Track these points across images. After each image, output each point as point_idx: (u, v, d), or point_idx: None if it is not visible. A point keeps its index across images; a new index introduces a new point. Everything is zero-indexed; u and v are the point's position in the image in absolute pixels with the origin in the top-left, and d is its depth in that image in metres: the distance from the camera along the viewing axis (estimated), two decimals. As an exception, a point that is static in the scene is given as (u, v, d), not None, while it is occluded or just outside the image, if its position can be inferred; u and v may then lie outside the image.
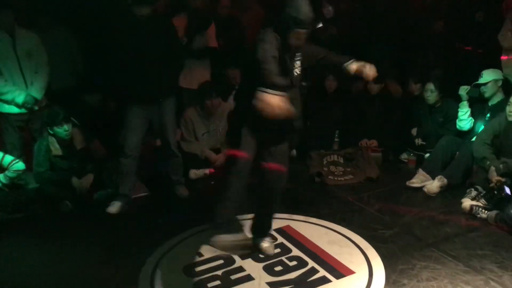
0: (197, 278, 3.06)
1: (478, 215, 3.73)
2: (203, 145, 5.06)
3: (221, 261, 3.25)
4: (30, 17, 4.79)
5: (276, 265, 3.18)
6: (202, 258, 3.31)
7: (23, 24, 4.41)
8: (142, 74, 3.78)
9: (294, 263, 3.20)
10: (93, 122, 4.66)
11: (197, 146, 5.02)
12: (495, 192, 3.76)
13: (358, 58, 3.06)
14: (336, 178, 4.76)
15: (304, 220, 3.84)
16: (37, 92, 4.34)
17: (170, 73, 3.99)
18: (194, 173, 4.87)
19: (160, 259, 3.31)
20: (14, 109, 4.31)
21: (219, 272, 3.12)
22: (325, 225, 3.75)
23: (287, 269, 3.13)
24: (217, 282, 3.01)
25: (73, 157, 4.27)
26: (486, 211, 3.70)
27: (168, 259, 3.32)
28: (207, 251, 3.38)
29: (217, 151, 5.12)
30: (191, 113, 5.03)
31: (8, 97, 4.23)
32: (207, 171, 4.94)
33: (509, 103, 3.99)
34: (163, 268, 3.21)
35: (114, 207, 4.02)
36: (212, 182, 4.83)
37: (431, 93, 4.89)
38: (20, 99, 4.24)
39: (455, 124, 4.73)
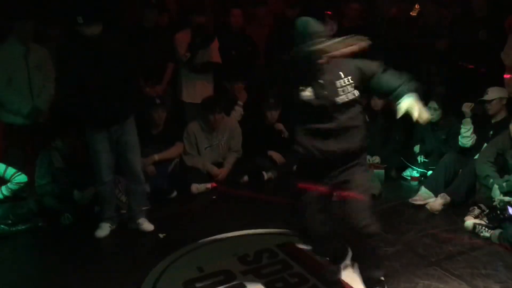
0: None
1: (481, 234, 3.69)
2: (205, 159, 5.06)
3: (221, 277, 3.22)
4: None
5: (278, 282, 3.15)
6: (202, 274, 3.28)
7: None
8: (97, 97, 3.56)
9: (295, 280, 3.17)
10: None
11: (199, 160, 5.02)
12: (498, 212, 3.74)
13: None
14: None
15: (306, 236, 3.81)
16: (43, 104, 4.37)
17: (127, 93, 3.74)
18: (196, 187, 4.86)
19: (161, 274, 3.29)
20: (18, 120, 4.32)
21: (220, 288, 3.10)
22: (327, 241, 3.72)
23: (288, 286, 3.10)
24: (218, 298, 2.99)
25: (75, 170, 4.27)
26: (489, 230, 3.67)
27: (168, 274, 3.30)
28: (207, 266, 3.36)
29: (219, 165, 5.13)
30: (194, 127, 5.05)
31: (15, 106, 4.26)
32: (209, 185, 4.94)
33: (512, 121, 3.98)
34: (164, 283, 3.19)
35: (103, 231, 3.87)
36: (214, 197, 4.82)
37: (434, 111, 4.87)
38: (26, 109, 4.26)
39: (457, 141, 4.72)
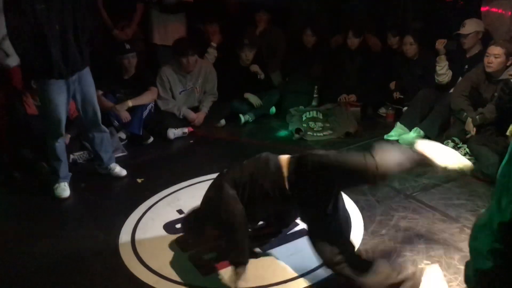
0: (178, 235, 3.07)
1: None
2: (181, 104, 4.99)
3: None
4: None
5: (257, 220, 3.19)
6: (182, 215, 3.29)
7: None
8: (55, 47, 3.33)
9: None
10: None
11: (175, 105, 4.95)
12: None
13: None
14: (315, 134, 4.76)
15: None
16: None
17: (84, 42, 3.51)
18: (172, 132, 4.81)
19: (140, 218, 3.31)
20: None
21: (200, 228, 3.13)
22: (305, 179, 3.76)
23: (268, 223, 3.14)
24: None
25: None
26: (462, 162, 3.74)
27: (149, 217, 3.32)
28: (187, 209, 3.37)
29: (195, 109, 5.07)
30: (167, 71, 4.94)
31: None
32: (185, 130, 4.89)
33: (487, 54, 3.98)
34: (144, 225, 3.21)
35: (65, 191, 3.70)
36: (191, 141, 4.79)
37: (410, 46, 4.85)
38: None
39: (433, 77, 4.73)
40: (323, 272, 2.59)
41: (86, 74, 3.62)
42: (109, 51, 4.72)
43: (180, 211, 3.36)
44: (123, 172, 3.98)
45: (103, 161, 3.95)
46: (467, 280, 1.46)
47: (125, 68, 4.64)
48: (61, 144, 3.66)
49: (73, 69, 3.48)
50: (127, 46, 4.63)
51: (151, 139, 4.74)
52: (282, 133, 4.85)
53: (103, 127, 3.88)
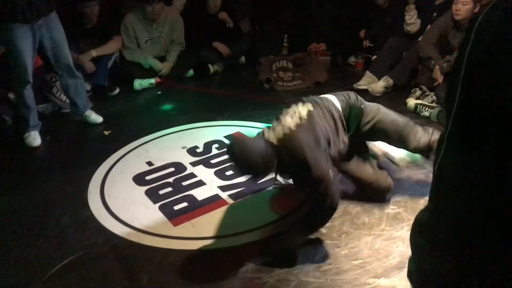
0: (148, 186, 3.05)
1: (422, 113, 3.84)
2: (147, 53, 4.84)
3: (172, 169, 3.24)
4: None
5: (227, 170, 3.20)
6: (152, 167, 3.28)
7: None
8: None
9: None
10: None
11: (140, 54, 4.80)
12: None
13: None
14: (285, 84, 4.73)
15: (254, 126, 3.84)
16: None
17: None
18: (139, 83, 4.70)
19: (110, 169, 3.27)
20: None
21: (170, 179, 3.12)
22: (274, 129, 3.76)
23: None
24: (169, 189, 3.02)
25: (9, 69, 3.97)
26: (429, 109, 3.80)
27: (118, 169, 3.28)
28: (157, 160, 3.35)
29: (162, 59, 4.93)
30: (132, 19, 4.75)
31: None
32: (152, 80, 4.77)
33: (455, 1, 3.96)
34: (113, 177, 3.18)
35: (35, 139, 3.62)
36: (159, 92, 4.69)
37: (381, -6, 4.80)
38: None
39: (403, 25, 4.70)
40: (289, 221, 2.64)
41: (54, 19, 3.49)
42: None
43: (149, 163, 3.33)
44: (99, 119, 3.94)
45: (79, 108, 3.88)
46: (410, 275, 1.44)
47: (87, 17, 4.43)
48: (29, 92, 3.55)
49: (38, 13, 3.34)
50: (88, -6, 4.40)
51: (117, 90, 4.61)
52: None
53: (77, 73, 3.79)
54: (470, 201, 1.04)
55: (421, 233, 1.28)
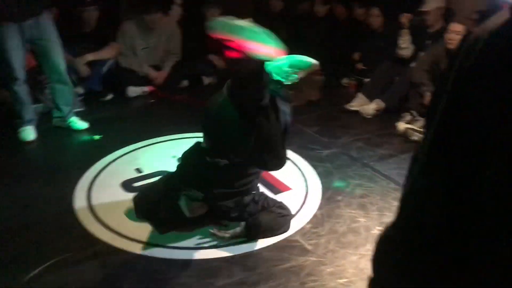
0: (136, 193, 3.03)
1: (412, 137, 3.88)
2: (142, 61, 4.85)
3: (160, 177, 3.22)
4: None
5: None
6: (141, 174, 3.27)
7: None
8: None
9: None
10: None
11: (136, 62, 4.81)
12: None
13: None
14: (277, 100, 4.75)
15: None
16: None
17: None
18: (132, 90, 4.70)
19: (97, 175, 3.24)
20: None
21: (158, 188, 3.10)
22: (265, 144, 3.78)
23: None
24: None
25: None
26: (419, 134, 3.85)
27: (106, 174, 3.26)
28: (145, 168, 3.34)
29: (157, 68, 4.95)
30: (129, 26, 4.78)
31: None
32: (146, 88, 4.79)
33: (448, 31, 4.05)
34: (101, 182, 3.16)
35: (29, 134, 3.65)
36: (152, 101, 4.70)
37: (376, 18, 4.88)
38: None
39: (396, 50, 4.78)
40: (276, 236, 2.64)
41: (46, 20, 3.48)
42: (69, 1, 4.50)
43: (138, 170, 3.31)
44: (84, 125, 3.93)
45: (64, 113, 3.86)
46: None
47: (84, 21, 4.44)
48: (21, 88, 3.54)
49: (27, 13, 3.33)
50: (87, -1, 4.43)
51: (110, 95, 4.62)
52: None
53: (67, 79, 3.77)
54: (437, 215, 1.04)
55: (386, 251, 1.25)
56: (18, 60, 3.42)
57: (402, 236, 1.14)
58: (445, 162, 0.98)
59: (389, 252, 1.20)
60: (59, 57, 3.63)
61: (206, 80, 5.11)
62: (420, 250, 1.08)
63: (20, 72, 3.47)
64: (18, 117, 3.64)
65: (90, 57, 4.44)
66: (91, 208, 2.87)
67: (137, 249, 2.53)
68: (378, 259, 1.24)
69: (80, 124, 3.90)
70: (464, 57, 0.94)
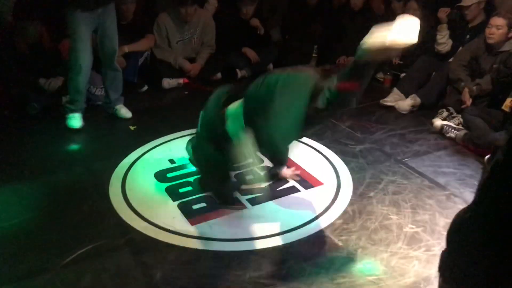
0: (168, 184, 3.08)
1: (448, 135, 3.80)
2: (177, 54, 4.90)
3: (193, 168, 3.26)
4: None
5: (248, 174, 3.20)
6: (174, 165, 3.31)
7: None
8: None
9: (265, 172, 3.24)
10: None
11: (171, 54, 4.87)
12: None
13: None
14: (311, 94, 4.72)
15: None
16: None
17: None
18: (167, 82, 4.76)
19: (132, 164, 3.32)
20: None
21: (191, 179, 3.14)
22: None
23: (258, 178, 3.15)
24: (189, 188, 3.04)
25: (41, 56, 4.07)
26: (455, 131, 3.76)
27: (140, 164, 3.32)
28: (178, 159, 3.38)
29: (191, 60, 4.99)
30: (165, 19, 4.82)
31: None
32: (180, 80, 4.84)
33: (489, 25, 3.93)
34: (135, 172, 3.22)
35: (77, 121, 3.78)
36: (186, 93, 4.75)
37: (414, 12, 4.76)
38: None
39: (434, 45, 4.67)
40: (306, 230, 2.64)
41: (111, 9, 3.66)
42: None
43: (171, 161, 3.36)
44: (129, 114, 4.03)
45: (111, 100, 3.98)
46: (442, 269, 1.41)
47: (122, 13, 4.51)
48: (83, 77, 3.67)
49: (99, 2, 3.50)
50: (126, -9, 4.48)
51: (145, 87, 4.69)
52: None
53: (117, 65, 3.89)
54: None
55: (459, 230, 1.29)
56: (87, 49, 3.58)
57: (476, 221, 1.17)
58: None
59: (463, 231, 1.24)
60: (115, 44, 3.76)
61: (240, 73, 5.12)
62: (488, 236, 1.11)
63: (86, 61, 3.61)
64: (70, 103, 3.76)
65: (126, 48, 4.50)
66: (125, 197, 2.94)
67: (168, 238, 2.57)
68: (453, 236, 1.30)
69: (125, 112, 4.02)
70: None
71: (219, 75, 5.09)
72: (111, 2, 3.63)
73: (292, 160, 3.40)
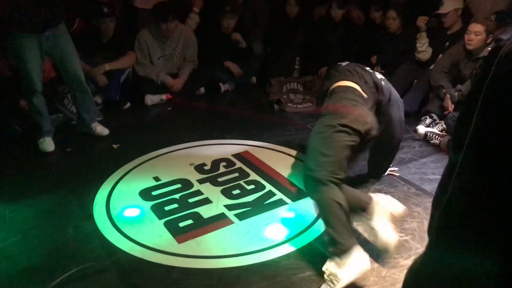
0: (154, 202, 3.04)
1: (432, 141, 3.82)
2: (159, 70, 4.88)
3: (178, 185, 3.23)
4: None
5: (234, 189, 3.18)
6: (159, 183, 3.27)
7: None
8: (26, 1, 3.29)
9: (252, 186, 3.22)
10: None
11: (153, 70, 4.84)
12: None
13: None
14: (295, 106, 4.74)
15: (263, 146, 3.83)
16: None
17: None
18: (150, 98, 4.73)
19: (117, 183, 3.27)
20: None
21: (176, 196, 3.10)
22: (283, 151, 3.77)
23: (245, 193, 3.14)
24: (175, 205, 3.00)
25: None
26: (439, 137, 3.79)
27: (125, 183, 3.27)
28: (164, 176, 3.34)
29: (174, 76, 4.97)
30: (146, 35, 4.81)
31: None
32: (163, 96, 4.80)
33: (468, 31, 3.99)
34: (120, 191, 3.17)
35: (49, 145, 3.70)
36: (169, 109, 4.72)
37: (393, 21, 4.82)
38: None
39: (415, 52, 4.72)
40: (295, 244, 2.62)
41: (62, 31, 3.54)
42: (87, 12, 4.55)
43: (156, 178, 3.32)
44: (105, 131, 3.97)
45: (85, 120, 3.92)
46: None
47: (102, 31, 4.49)
48: (40, 99, 3.60)
49: (46, 25, 3.39)
50: (105, 10, 4.45)
51: (128, 104, 4.65)
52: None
53: (85, 86, 3.81)
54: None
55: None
56: (37, 72, 3.47)
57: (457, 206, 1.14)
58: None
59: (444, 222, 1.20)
60: (76, 66, 3.68)
61: (223, 87, 5.11)
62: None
63: (38, 84, 3.52)
64: (37, 128, 3.69)
65: (107, 66, 4.47)
66: (110, 217, 2.88)
67: (155, 258, 2.53)
68: (435, 228, 1.27)
69: (101, 130, 3.96)
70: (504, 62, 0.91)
71: (202, 89, 5.08)
72: (59, 24, 3.51)
73: (277, 172, 3.39)
